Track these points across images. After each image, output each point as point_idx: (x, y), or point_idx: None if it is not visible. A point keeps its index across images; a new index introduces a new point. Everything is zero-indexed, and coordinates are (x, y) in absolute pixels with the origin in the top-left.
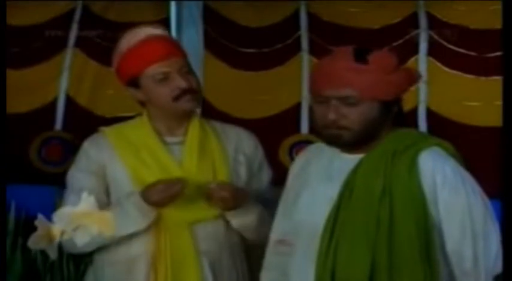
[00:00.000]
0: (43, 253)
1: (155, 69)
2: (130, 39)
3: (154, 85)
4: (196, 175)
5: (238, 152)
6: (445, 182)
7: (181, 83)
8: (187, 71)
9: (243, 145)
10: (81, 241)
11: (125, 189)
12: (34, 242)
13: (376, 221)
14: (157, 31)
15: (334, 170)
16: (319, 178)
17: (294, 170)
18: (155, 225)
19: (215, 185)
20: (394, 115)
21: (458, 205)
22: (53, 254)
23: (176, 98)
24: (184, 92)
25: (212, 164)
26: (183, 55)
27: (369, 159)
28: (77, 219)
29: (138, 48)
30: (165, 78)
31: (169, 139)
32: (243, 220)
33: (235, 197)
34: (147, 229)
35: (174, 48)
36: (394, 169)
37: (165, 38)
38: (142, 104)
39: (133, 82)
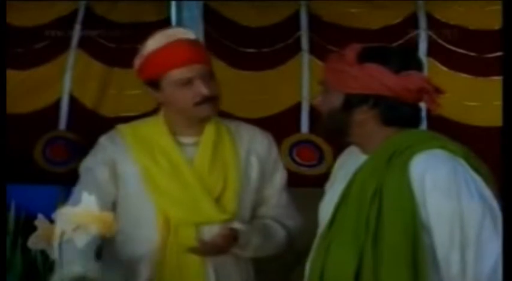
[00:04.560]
0: (43, 253)
1: (179, 73)
2: (158, 40)
3: (176, 89)
4: (207, 177)
5: (250, 154)
6: (435, 186)
7: (203, 90)
8: (210, 77)
9: (256, 146)
10: (81, 241)
11: (133, 187)
12: (34, 242)
13: (365, 222)
14: (186, 35)
15: (352, 169)
16: (341, 177)
17: (333, 171)
18: (162, 226)
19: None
20: (379, 114)
21: (448, 209)
22: (53, 254)
23: (196, 104)
24: (205, 99)
25: (224, 166)
26: (208, 61)
27: (370, 159)
28: (77, 219)
29: (164, 50)
30: (187, 83)
31: (184, 140)
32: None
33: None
34: (153, 230)
35: (201, 54)
36: (388, 170)
37: (193, 42)
38: (159, 103)
39: (154, 83)
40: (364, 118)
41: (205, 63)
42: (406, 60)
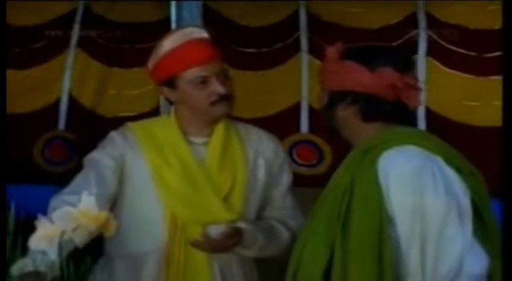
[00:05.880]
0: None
1: (195, 72)
2: (174, 39)
3: (191, 88)
4: (216, 177)
5: (258, 155)
6: (398, 180)
7: (219, 88)
8: (224, 75)
9: (264, 148)
10: (81, 240)
11: (142, 184)
12: (34, 242)
13: (337, 216)
14: (201, 34)
15: None
16: None
17: None
18: (169, 224)
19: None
20: (359, 111)
21: (409, 204)
22: (53, 254)
23: (213, 103)
24: (221, 98)
25: (233, 167)
26: (222, 59)
27: (350, 155)
28: (76, 219)
29: (181, 49)
30: (203, 82)
31: (194, 139)
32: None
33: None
34: (160, 227)
35: (216, 53)
36: (361, 165)
37: (208, 42)
38: (171, 102)
39: (170, 82)
40: (346, 115)
41: (220, 61)
42: (385, 58)
